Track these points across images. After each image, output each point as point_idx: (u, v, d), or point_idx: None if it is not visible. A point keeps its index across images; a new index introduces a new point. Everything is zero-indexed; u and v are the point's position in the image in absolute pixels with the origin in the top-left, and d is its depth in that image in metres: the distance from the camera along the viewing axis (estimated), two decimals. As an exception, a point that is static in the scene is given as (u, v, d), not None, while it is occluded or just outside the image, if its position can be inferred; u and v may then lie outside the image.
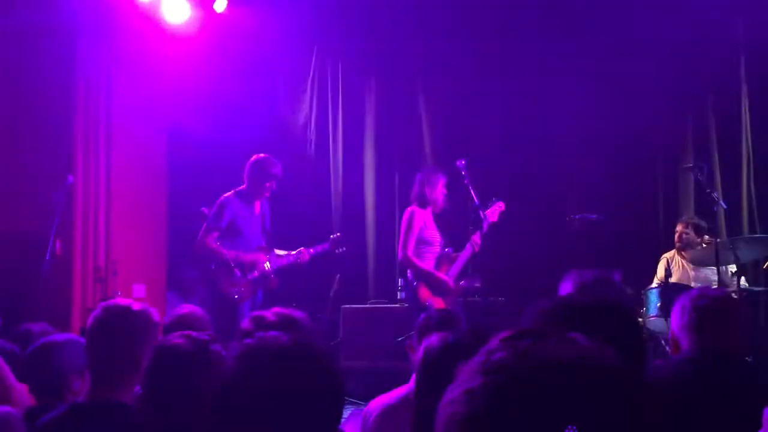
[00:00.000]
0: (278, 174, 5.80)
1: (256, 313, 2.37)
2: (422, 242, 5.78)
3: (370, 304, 7.10)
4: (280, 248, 5.91)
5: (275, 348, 1.37)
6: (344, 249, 6.03)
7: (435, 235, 5.85)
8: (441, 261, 5.83)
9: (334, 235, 6.09)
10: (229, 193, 5.80)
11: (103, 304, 2.41)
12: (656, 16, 6.85)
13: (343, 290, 7.06)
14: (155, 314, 2.38)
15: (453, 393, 0.81)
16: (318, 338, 2.51)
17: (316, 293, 6.82)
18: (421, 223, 5.79)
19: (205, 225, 5.68)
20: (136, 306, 2.36)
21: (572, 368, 0.79)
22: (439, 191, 5.84)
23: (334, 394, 1.38)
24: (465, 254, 5.78)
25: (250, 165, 5.80)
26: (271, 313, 2.34)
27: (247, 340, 1.40)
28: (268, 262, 5.73)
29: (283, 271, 5.85)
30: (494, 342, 0.85)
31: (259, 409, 1.31)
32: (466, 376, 0.81)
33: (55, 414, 2.19)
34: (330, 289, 6.91)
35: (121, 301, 2.43)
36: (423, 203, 5.85)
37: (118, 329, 2.28)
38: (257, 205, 5.83)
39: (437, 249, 5.85)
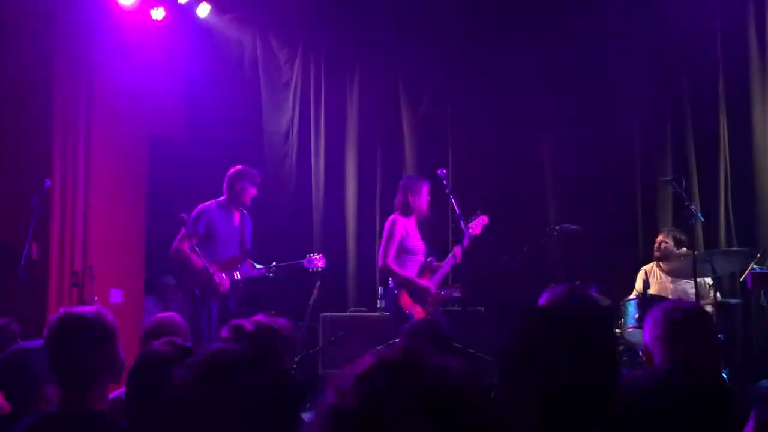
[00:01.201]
0: (257, 185, 5.92)
1: (235, 321, 2.36)
2: (404, 251, 5.78)
3: (350, 312, 7.08)
4: (259, 260, 5.97)
5: (220, 362, 1.36)
6: (321, 269, 6.14)
7: (418, 244, 5.86)
8: (423, 270, 5.83)
9: (316, 256, 6.17)
10: (209, 202, 5.90)
11: (55, 315, 2.36)
12: (636, 28, 6.92)
13: (323, 298, 7.03)
14: (110, 318, 2.34)
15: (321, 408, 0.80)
16: (297, 347, 2.51)
17: (295, 301, 6.78)
18: (403, 232, 5.79)
19: (182, 231, 5.69)
20: (90, 312, 2.32)
21: (416, 412, 0.75)
22: (423, 198, 5.85)
23: (283, 408, 1.36)
24: (446, 265, 5.80)
25: (229, 176, 5.91)
26: (250, 322, 2.34)
27: (195, 356, 1.40)
28: (238, 272, 5.78)
29: (258, 281, 5.93)
30: (347, 377, 0.82)
31: (202, 423, 1.30)
32: (318, 416, 0.81)
33: (26, 424, 2.16)
34: (310, 297, 6.88)
35: (73, 309, 2.39)
36: (406, 211, 5.85)
37: (75, 338, 2.24)
38: (236, 216, 5.93)
39: (420, 258, 5.86)
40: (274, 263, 5.98)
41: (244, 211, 6.02)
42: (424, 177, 6.10)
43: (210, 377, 1.34)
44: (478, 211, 5.89)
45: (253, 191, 5.93)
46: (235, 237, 5.89)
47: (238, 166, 5.97)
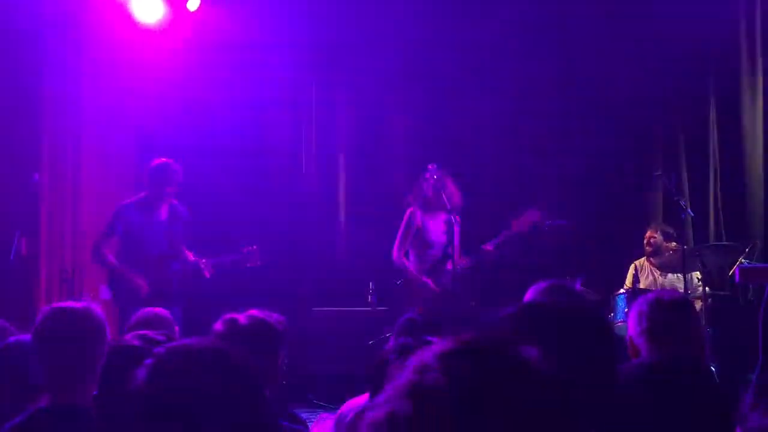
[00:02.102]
0: (179, 178, 5.58)
1: (229, 315, 2.36)
2: (422, 244, 5.73)
3: (341, 307, 7.07)
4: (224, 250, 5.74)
5: (182, 355, 1.35)
6: (259, 263, 5.73)
7: (433, 237, 5.74)
8: (436, 266, 5.71)
9: (249, 248, 5.77)
10: (126, 201, 5.66)
11: (44, 309, 2.36)
12: (626, 25, 6.93)
13: (314, 293, 7.02)
14: (99, 312, 2.34)
15: (377, 413, 0.74)
16: (288, 341, 2.50)
17: (287, 295, 6.76)
18: (419, 224, 5.74)
19: (101, 231, 5.55)
20: (78, 307, 2.32)
21: (511, 397, 0.72)
22: (449, 189, 5.71)
23: (245, 401, 1.35)
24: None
25: (149, 170, 5.59)
26: (244, 316, 2.34)
27: (158, 349, 1.39)
28: (169, 269, 5.48)
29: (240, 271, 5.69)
30: (429, 356, 0.76)
31: (165, 418, 1.30)
32: (394, 394, 0.73)
33: (17, 421, 2.15)
34: (301, 292, 6.87)
35: (62, 304, 2.38)
36: (425, 204, 5.75)
37: (64, 333, 2.24)
38: (162, 212, 5.57)
39: (437, 252, 5.73)
40: (204, 260, 5.61)
41: (174, 204, 5.65)
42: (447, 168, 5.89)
43: (172, 372, 1.33)
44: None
45: (174, 185, 5.57)
46: (160, 233, 5.52)
47: (161, 159, 5.61)
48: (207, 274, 5.55)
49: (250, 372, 1.38)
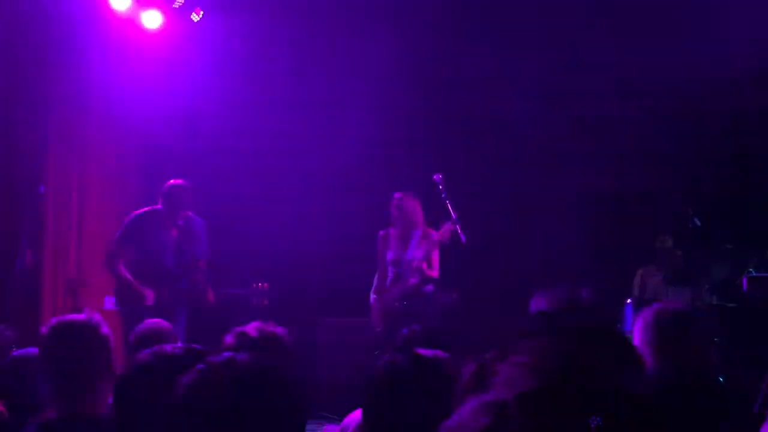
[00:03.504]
0: (189, 202, 5.55)
1: (239, 329, 2.38)
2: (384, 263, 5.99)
3: (347, 318, 7.04)
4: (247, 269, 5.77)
5: (227, 371, 1.34)
6: (267, 303, 5.62)
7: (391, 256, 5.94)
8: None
9: (260, 285, 5.69)
10: (140, 211, 5.64)
11: (50, 322, 2.39)
12: (627, 39, 6.92)
13: (320, 304, 7.00)
14: (102, 323, 2.36)
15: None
16: (296, 354, 2.50)
17: (294, 308, 6.74)
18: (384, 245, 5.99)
19: (116, 238, 5.53)
20: (82, 318, 2.34)
21: None
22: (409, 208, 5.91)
23: (292, 415, 1.36)
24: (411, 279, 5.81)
25: (165, 189, 5.57)
26: (253, 329, 2.35)
27: (199, 365, 1.38)
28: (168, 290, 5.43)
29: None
30: (511, 402, 0.71)
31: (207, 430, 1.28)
32: None
33: (25, 432, 2.15)
34: (306, 302, 6.85)
35: (67, 317, 2.41)
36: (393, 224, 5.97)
37: (69, 346, 2.26)
38: (172, 228, 5.56)
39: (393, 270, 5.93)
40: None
41: (190, 217, 5.62)
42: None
43: (220, 385, 1.31)
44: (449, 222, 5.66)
45: (186, 209, 5.56)
46: (168, 251, 5.50)
47: (177, 180, 5.60)
48: (211, 298, 5.51)
49: (295, 388, 1.37)
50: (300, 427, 1.38)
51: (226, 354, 1.40)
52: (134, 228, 5.49)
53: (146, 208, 5.69)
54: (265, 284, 5.63)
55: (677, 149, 7.00)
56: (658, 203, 6.95)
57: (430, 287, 5.91)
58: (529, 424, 0.66)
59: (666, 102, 7.02)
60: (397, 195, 5.99)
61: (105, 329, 2.35)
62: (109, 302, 5.61)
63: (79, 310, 4.84)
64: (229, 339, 2.35)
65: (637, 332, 2.42)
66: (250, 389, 1.32)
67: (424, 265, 5.77)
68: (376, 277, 6.09)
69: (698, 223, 6.04)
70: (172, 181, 5.61)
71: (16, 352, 2.74)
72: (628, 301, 5.86)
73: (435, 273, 5.85)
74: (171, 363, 1.91)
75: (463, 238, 5.52)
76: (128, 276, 5.38)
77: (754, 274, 5.09)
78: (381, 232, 6.11)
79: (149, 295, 5.34)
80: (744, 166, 6.72)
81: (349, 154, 7.33)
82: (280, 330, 2.41)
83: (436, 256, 5.82)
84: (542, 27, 7.13)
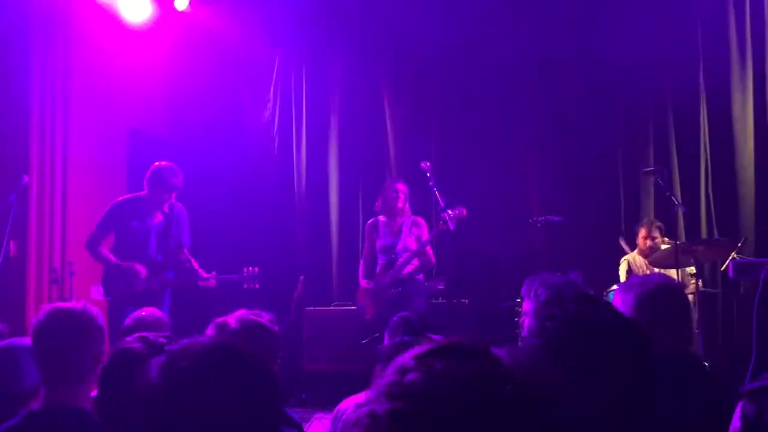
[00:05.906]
0: (178, 185, 5.38)
1: (220, 319, 2.35)
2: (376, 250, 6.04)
3: (334, 306, 7.05)
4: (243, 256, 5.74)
5: (196, 353, 1.33)
6: (257, 286, 5.51)
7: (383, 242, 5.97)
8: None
9: (250, 269, 5.56)
10: (121, 198, 5.55)
11: (44, 308, 2.35)
12: (615, 21, 6.92)
13: (307, 292, 7.00)
14: (97, 313, 2.33)
15: (359, 412, 0.74)
16: (282, 342, 2.48)
17: (279, 295, 6.74)
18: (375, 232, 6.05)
19: (96, 225, 5.43)
20: (78, 307, 2.30)
21: (487, 395, 0.71)
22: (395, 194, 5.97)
23: (264, 398, 1.35)
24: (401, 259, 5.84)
25: (150, 172, 5.39)
26: (234, 319, 2.32)
27: (171, 347, 1.37)
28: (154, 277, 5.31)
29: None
30: (408, 358, 0.77)
31: (184, 417, 1.28)
32: (374, 395, 0.74)
33: (13, 423, 2.13)
34: (293, 292, 6.84)
35: (61, 304, 2.37)
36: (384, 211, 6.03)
37: (63, 333, 2.23)
38: (157, 216, 5.40)
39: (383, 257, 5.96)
40: (213, 273, 5.43)
41: (173, 204, 5.45)
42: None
43: (184, 371, 1.30)
44: (447, 215, 5.56)
45: (173, 192, 5.39)
46: (151, 237, 5.36)
47: (162, 162, 5.44)
48: (212, 284, 5.38)
49: (267, 369, 1.36)
50: (275, 411, 1.37)
51: (197, 338, 1.39)
52: (115, 215, 5.37)
53: (129, 195, 5.62)
54: (255, 268, 5.55)
55: (660, 132, 7.03)
56: (643, 189, 6.99)
57: (421, 276, 5.92)
58: None
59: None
60: (396, 184, 6.00)
61: (99, 318, 2.32)
62: (96, 292, 5.56)
63: (65, 301, 4.82)
64: (209, 331, 2.32)
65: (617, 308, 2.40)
66: (217, 371, 1.30)
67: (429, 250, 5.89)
68: (362, 264, 6.10)
69: (684, 209, 6.07)
70: (157, 163, 5.45)
71: (7, 342, 2.70)
72: (614, 288, 5.89)
73: (433, 260, 5.94)
74: (153, 350, 1.91)
75: (451, 225, 5.50)
76: (112, 257, 5.27)
77: (740, 260, 5.12)
78: (370, 221, 6.13)
79: (141, 270, 5.22)
80: (728, 149, 6.75)
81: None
82: (264, 317, 2.38)
83: (428, 245, 5.86)
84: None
